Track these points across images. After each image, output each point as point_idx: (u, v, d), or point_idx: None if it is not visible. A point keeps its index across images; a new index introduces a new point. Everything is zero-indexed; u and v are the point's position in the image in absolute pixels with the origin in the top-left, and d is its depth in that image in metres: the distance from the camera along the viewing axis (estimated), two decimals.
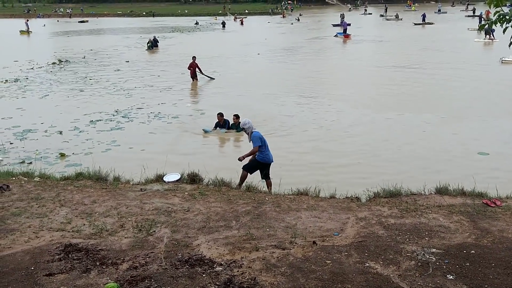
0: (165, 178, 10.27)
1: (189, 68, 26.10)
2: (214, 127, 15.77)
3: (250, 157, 10.20)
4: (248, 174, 10.13)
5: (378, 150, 13.44)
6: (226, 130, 15.59)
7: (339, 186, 10.02)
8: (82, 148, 14.27)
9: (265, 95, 21.71)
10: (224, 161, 13.03)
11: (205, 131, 15.31)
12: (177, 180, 10.16)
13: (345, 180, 11.18)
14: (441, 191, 9.40)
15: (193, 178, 10.21)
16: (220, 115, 15.71)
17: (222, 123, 15.76)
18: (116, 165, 11.52)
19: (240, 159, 10.05)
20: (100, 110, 19.22)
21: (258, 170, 10.28)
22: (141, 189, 9.56)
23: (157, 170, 10.78)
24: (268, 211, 8.37)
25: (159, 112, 18.69)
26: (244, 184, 10.05)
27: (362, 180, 11.05)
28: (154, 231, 7.65)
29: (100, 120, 17.62)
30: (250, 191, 9.69)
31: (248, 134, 10.22)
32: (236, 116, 15.19)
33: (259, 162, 10.23)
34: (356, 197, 9.24)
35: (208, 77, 26.33)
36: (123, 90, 23.53)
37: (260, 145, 10.06)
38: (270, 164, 10.39)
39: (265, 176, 10.34)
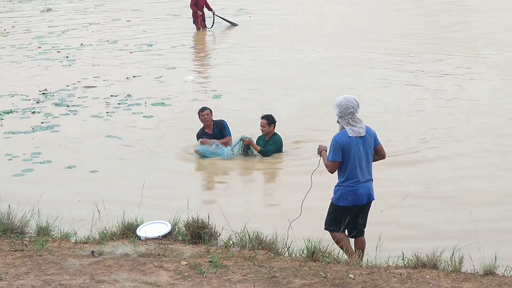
0: (141, 232, 9.67)
1: (193, 7, 26.53)
2: (198, 139, 14.41)
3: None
4: (342, 235, 9.51)
5: None
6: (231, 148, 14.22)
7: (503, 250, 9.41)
8: None
9: (358, 61, 21.80)
10: (258, 196, 13.11)
11: (202, 154, 14.26)
12: (164, 236, 9.61)
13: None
14: None
15: (197, 233, 9.47)
16: (209, 110, 14.30)
17: (211, 131, 14.35)
18: (44, 202, 11.06)
19: (320, 150, 9.60)
20: (12, 90, 19.04)
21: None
22: (92, 252, 8.89)
23: (125, 215, 10.12)
24: None
25: (128, 95, 18.37)
26: (353, 251, 9.37)
27: None
28: None
29: (11, 112, 17.28)
30: (316, 259, 8.78)
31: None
32: (267, 119, 13.95)
33: (338, 206, 9.45)
34: None
35: (228, 21, 27.32)
36: (57, 51, 23.73)
37: (338, 162, 9.22)
38: (365, 207, 9.52)
39: (355, 228, 9.61)
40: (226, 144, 14.10)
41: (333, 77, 20.00)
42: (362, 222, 9.47)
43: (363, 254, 9.33)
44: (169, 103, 17.95)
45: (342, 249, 9.36)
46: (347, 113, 9.14)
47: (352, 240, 9.60)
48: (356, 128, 9.26)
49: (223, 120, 14.54)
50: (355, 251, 9.35)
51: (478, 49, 23.34)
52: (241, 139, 14.03)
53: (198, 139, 14.37)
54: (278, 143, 13.62)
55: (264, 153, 13.82)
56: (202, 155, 14.11)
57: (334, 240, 9.43)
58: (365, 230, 9.58)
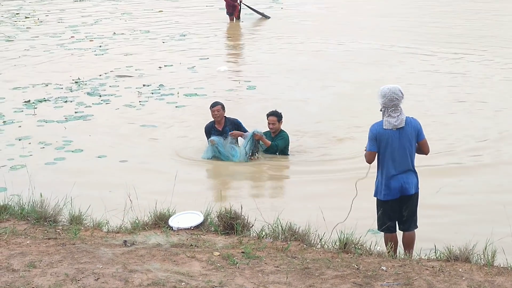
0: (173, 222, 9.68)
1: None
2: (207, 133, 14.00)
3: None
4: (390, 236, 9.52)
5: None
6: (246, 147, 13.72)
7: None
8: (6, 157, 14.09)
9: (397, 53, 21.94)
10: (293, 189, 12.92)
11: (216, 146, 13.86)
12: (196, 226, 9.62)
13: None
14: None
15: (230, 224, 9.49)
16: (220, 106, 13.79)
17: (221, 128, 13.93)
18: (76, 191, 11.11)
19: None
20: (46, 79, 19.20)
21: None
22: (124, 241, 8.94)
23: (158, 206, 10.10)
24: None
25: (161, 85, 18.57)
26: (395, 249, 9.31)
27: None
28: None
29: (45, 101, 17.45)
30: (348, 251, 8.81)
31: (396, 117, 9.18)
32: (277, 116, 13.70)
33: (377, 200, 9.47)
34: None
35: (260, 14, 27.62)
36: (90, 40, 24.15)
37: (374, 152, 9.20)
38: (405, 200, 9.42)
39: (401, 221, 9.51)
40: (240, 135, 13.99)
41: (368, 70, 19.90)
42: (406, 215, 9.34)
43: (409, 250, 9.32)
44: (202, 93, 17.92)
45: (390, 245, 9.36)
46: (391, 104, 8.99)
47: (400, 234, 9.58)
48: (393, 120, 9.08)
49: (236, 119, 14.15)
50: (404, 246, 9.43)
51: None
52: (253, 133, 13.82)
53: (206, 132, 14.04)
54: (286, 140, 13.48)
55: (274, 147, 13.66)
56: (215, 150, 13.86)
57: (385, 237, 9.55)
58: (416, 224, 9.53)
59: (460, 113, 16.98)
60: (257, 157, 13.78)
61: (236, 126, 13.93)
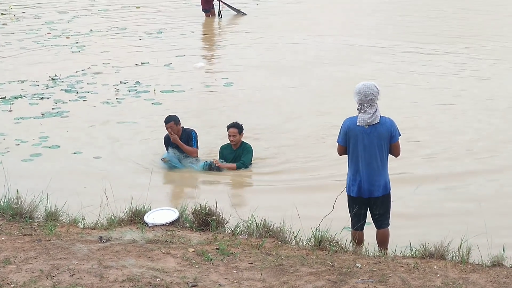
0: (149, 218, 9.64)
1: None
2: (165, 144, 13.52)
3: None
4: (355, 233, 9.49)
5: None
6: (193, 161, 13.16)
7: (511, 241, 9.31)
8: None
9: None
10: (267, 187, 12.89)
11: (169, 163, 13.39)
12: (171, 223, 9.60)
13: None
14: None
15: (205, 220, 9.47)
16: (173, 122, 13.09)
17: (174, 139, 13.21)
18: (52, 188, 10.81)
19: None
20: (22, 75, 19.11)
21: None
22: (100, 238, 8.94)
23: (133, 202, 10.07)
24: None
25: (137, 82, 18.45)
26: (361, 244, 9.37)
27: None
28: None
29: (21, 97, 17.36)
30: (323, 248, 8.79)
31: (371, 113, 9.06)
32: (238, 128, 13.06)
33: (348, 196, 9.41)
34: None
35: (236, 10, 27.50)
36: (66, 37, 23.88)
37: (342, 146, 9.25)
38: (375, 200, 9.36)
39: (373, 218, 9.50)
40: (191, 154, 13.28)
41: (342, 66, 19.85)
42: (378, 213, 9.30)
43: (383, 248, 9.27)
44: (179, 89, 17.90)
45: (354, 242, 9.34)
46: (366, 100, 8.85)
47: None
48: (367, 116, 8.91)
49: (193, 131, 13.32)
50: (377, 243, 9.37)
51: None
52: (209, 165, 13.08)
53: (164, 143, 13.51)
54: (251, 152, 12.82)
55: (242, 166, 13.04)
56: (169, 164, 13.31)
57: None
58: (388, 222, 9.45)
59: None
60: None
61: (187, 137, 13.31)
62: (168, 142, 13.27)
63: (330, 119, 15.19)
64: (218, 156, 13.22)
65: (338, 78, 18.80)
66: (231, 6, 27.28)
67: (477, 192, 12.64)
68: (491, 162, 13.81)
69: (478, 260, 8.48)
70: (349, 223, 9.58)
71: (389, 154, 9.23)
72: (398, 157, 9.41)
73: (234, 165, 12.55)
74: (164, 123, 13.14)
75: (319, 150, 14.04)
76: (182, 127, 13.20)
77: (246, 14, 27.56)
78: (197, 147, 13.27)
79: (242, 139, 13.05)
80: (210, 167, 12.99)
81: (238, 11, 27.27)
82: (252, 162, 12.93)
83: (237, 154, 13.05)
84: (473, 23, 26.43)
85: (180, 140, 13.12)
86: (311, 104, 16.89)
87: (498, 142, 14.30)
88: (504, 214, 11.75)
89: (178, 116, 13.24)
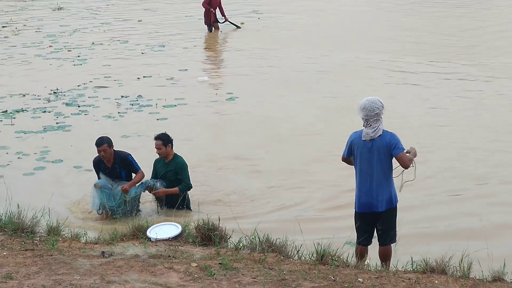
0: (152, 233, 9.61)
1: (206, 5, 26.52)
2: (95, 168, 12.14)
3: None
4: (360, 248, 9.42)
5: None
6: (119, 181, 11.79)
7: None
8: None
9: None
10: (272, 196, 12.81)
11: (101, 189, 11.89)
12: (174, 237, 9.57)
13: None
14: None
15: (208, 235, 9.42)
16: (106, 145, 11.75)
17: (110, 164, 11.94)
18: (54, 203, 11.04)
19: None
20: (24, 89, 19.09)
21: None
22: (102, 253, 8.90)
23: (136, 216, 10.55)
24: None
25: (139, 96, 18.44)
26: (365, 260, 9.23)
27: None
28: None
29: (22, 111, 17.37)
30: (325, 263, 8.74)
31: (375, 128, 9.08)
32: (162, 140, 11.83)
33: (354, 212, 9.38)
34: None
35: (233, 24, 27.56)
36: (68, 50, 23.85)
37: (348, 158, 9.37)
38: (377, 215, 9.30)
39: (380, 236, 9.46)
40: (140, 180, 11.95)
41: (345, 82, 19.78)
42: (381, 228, 9.25)
43: (385, 263, 9.18)
44: (182, 103, 17.88)
45: (357, 256, 9.27)
46: (372, 114, 8.87)
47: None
48: (371, 130, 8.98)
49: (129, 155, 12.00)
50: (379, 259, 9.27)
51: None
52: (146, 187, 11.91)
53: (94, 167, 12.12)
54: (186, 168, 11.64)
55: (185, 188, 11.83)
56: (100, 195, 11.89)
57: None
58: (392, 239, 9.40)
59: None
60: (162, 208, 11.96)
61: (125, 163, 12.00)
62: (98, 166, 11.97)
63: (334, 137, 14.93)
64: (152, 170, 12.14)
65: (343, 93, 18.77)
66: (230, 21, 27.26)
67: (477, 207, 12.52)
68: (492, 176, 13.67)
69: (479, 275, 8.44)
70: (352, 237, 9.50)
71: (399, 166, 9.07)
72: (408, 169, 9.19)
73: (176, 189, 11.32)
74: (95, 146, 11.81)
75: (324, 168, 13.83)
76: (114, 150, 11.90)
77: (240, 27, 27.72)
78: (140, 169, 12.01)
79: (175, 152, 11.86)
80: (149, 189, 11.90)
81: (234, 24, 27.29)
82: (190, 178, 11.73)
83: (169, 168, 11.82)
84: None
85: (116, 166, 11.88)
86: (316, 121, 16.69)
87: (498, 158, 14.20)
88: (505, 228, 11.68)
89: (110, 138, 11.98)
